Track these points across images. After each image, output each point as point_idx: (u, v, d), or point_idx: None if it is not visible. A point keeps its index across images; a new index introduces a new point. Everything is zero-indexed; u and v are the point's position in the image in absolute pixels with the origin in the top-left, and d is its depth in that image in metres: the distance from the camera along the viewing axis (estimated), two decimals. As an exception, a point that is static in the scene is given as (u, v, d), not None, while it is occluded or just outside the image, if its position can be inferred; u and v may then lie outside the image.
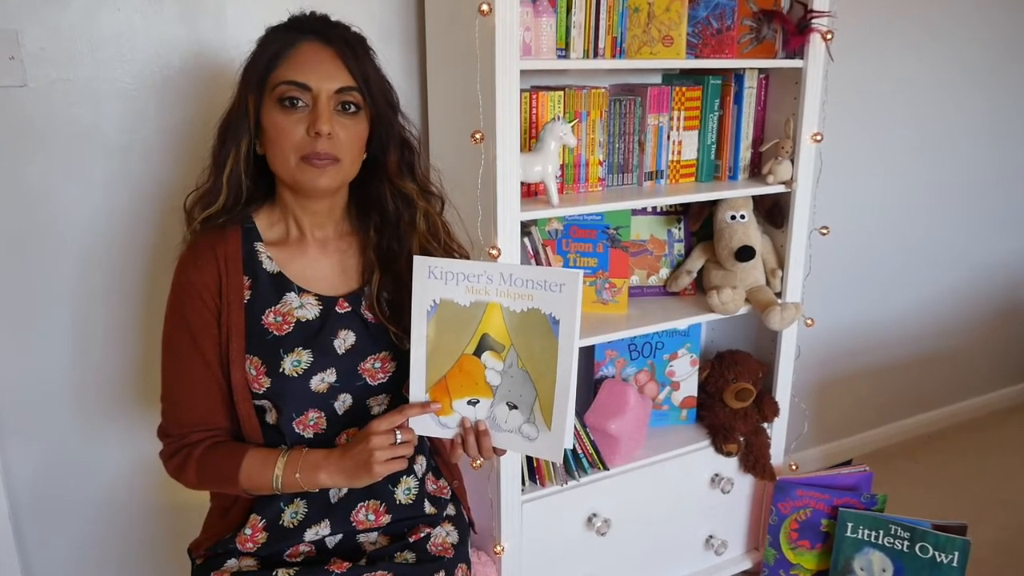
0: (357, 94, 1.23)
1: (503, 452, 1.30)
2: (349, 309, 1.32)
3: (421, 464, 1.44)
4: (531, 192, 1.77)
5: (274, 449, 1.28)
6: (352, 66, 1.22)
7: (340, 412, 1.32)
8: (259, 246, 1.29)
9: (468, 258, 1.45)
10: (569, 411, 1.20)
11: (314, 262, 1.32)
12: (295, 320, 1.28)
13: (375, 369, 1.32)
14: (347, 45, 1.23)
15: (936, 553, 1.98)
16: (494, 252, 1.59)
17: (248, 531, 1.32)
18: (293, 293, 1.29)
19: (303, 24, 1.25)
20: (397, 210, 1.34)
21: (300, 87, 1.19)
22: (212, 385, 1.27)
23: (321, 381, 1.29)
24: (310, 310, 1.29)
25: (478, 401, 1.26)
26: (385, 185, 1.33)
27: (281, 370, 1.26)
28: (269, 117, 1.21)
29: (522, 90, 1.65)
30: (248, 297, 1.27)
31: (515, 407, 1.24)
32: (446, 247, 1.39)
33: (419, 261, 1.24)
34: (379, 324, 1.33)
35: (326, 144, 1.21)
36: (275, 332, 1.27)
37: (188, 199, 1.31)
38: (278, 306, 1.28)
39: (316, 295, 1.30)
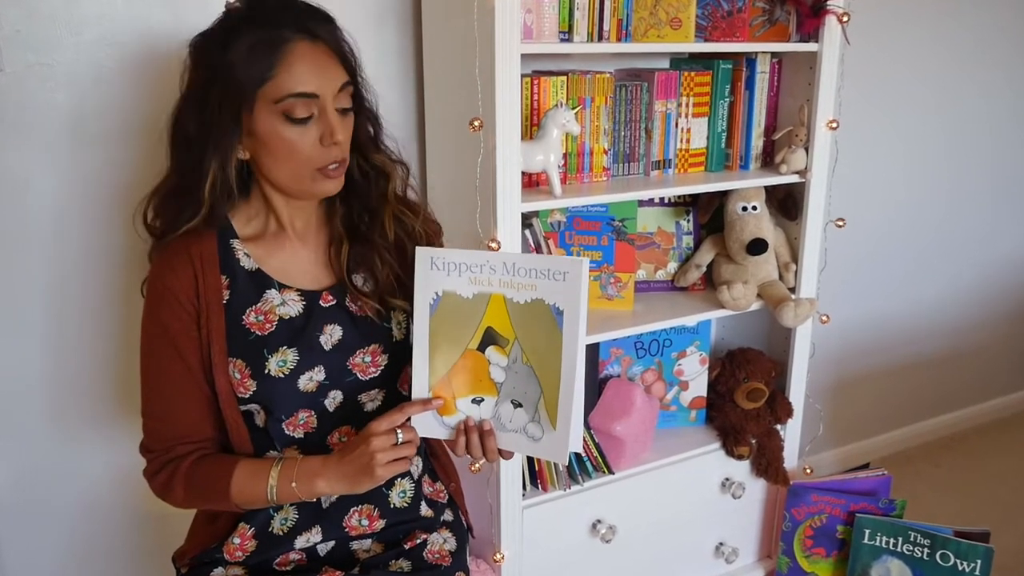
0: (351, 87, 1.23)
1: (510, 455, 1.29)
2: (333, 302, 1.32)
3: (417, 465, 1.44)
4: (532, 182, 1.77)
5: (266, 459, 1.28)
6: (341, 57, 1.21)
7: (331, 410, 1.32)
8: (235, 243, 1.28)
9: (440, 225, 1.47)
10: (575, 409, 1.19)
11: (294, 255, 1.32)
12: (278, 318, 1.28)
13: (365, 364, 1.32)
14: (330, 34, 1.21)
15: (958, 561, 1.98)
16: (494, 245, 1.59)
17: (237, 540, 1.32)
18: (274, 290, 1.28)
19: (274, 18, 1.17)
20: (367, 182, 1.33)
21: (308, 97, 1.17)
22: (196, 393, 1.26)
23: (310, 380, 1.28)
24: (292, 307, 1.29)
25: (482, 399, 1.25)
26: (354, 157, 1.31)
27: (267, 371, 1.26)
28: (273, 130, 1.18)
29: (523, 75, 1.65)
30: (227, 297, 1.26)
31: (519, 405, 1.23)
32: (424, 218, 1.40)
33: (421, 252, 1.24)
34: (366, 316, 1.33)
35: (338, 150, 1.21)
36: (258, 332, 1.26)
37: (147, 207, 1.27)
38: (259, 304, 1.27)
39: (298, 290, 1.30)
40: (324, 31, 1.20)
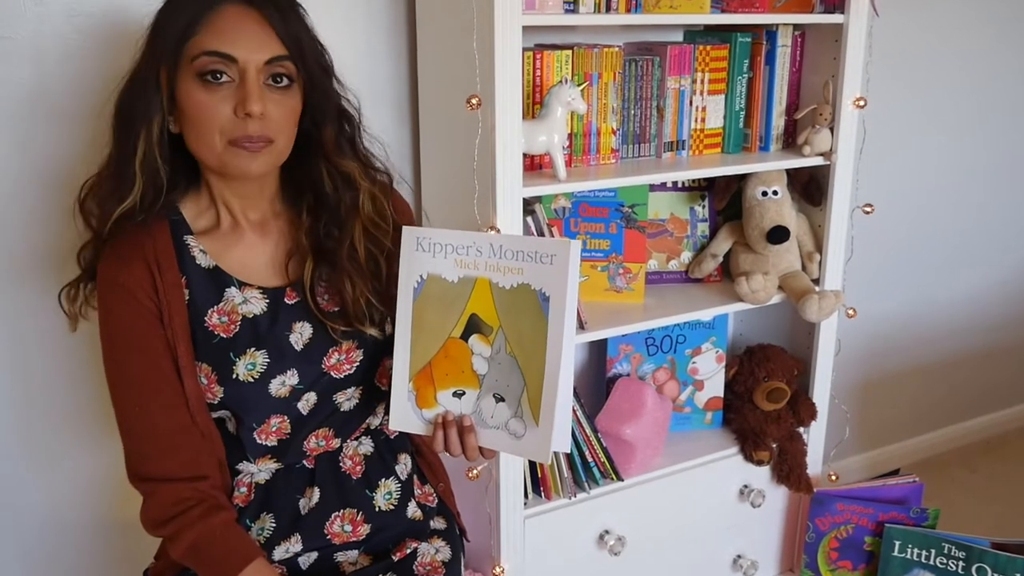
0: (289, 63, 1.20)
1: (492, 454, 1.29)
2: (298, 299, 1.31)
3: (405, 464, 1.44)
4: (535, 165, 1.77)
5: None
6: (281, 30, 1.18)
7: (305, 413, 1.32)
8: (189, 239, 1.27)
9: (408, 204, 1.47)
10: (559, 405, 1.18)
11: (252, 249, 1.31)
12: (241, 317, 1.27)
13: (340, 362, 1.32)
14: (274, 5, 1.18)
15: (996, 575, 1.97)
16: (492, 233, 1.58)
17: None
18: (234, 288, 1.27)
19: None
20: (336, 192, 1.30)
21: (224, 58, 1.15)
22: (178, 403, 1.23)
23: (282, 385, 1.28)
24: (256, 304, 1.28)
25: (464, 392, 1.25)
26: (321, 163, 1.29)
27: (235, 376, 1.25)
28: (187, 93, 1.17)
29: (525, 49, 1.64)
30: (187, 297, 1.25)
31: (502, 399, 1.23)
32: (398, 230, 1.38)
33: (407, 232, 1.25)
34: (335, 312, 1.32)
35: (257, 126, 1.18)
36: (222, 334, 1.26)
37: (84, 193, 1.26)
38: (221, 304, 1.26)
39: (259, 288, 1.29)
40: (264, 2, 1.18)
